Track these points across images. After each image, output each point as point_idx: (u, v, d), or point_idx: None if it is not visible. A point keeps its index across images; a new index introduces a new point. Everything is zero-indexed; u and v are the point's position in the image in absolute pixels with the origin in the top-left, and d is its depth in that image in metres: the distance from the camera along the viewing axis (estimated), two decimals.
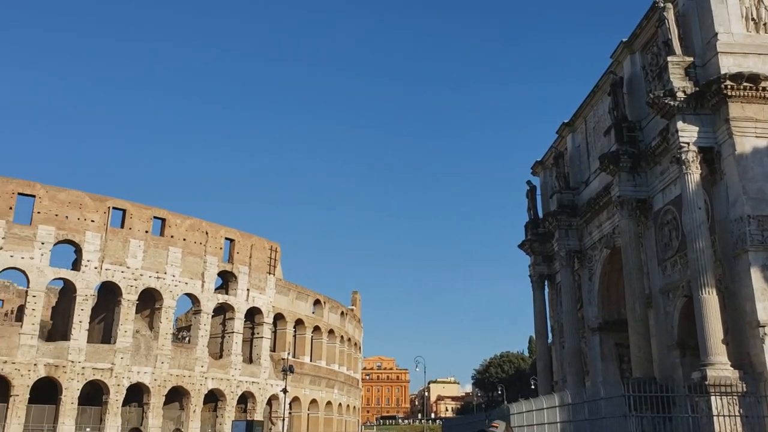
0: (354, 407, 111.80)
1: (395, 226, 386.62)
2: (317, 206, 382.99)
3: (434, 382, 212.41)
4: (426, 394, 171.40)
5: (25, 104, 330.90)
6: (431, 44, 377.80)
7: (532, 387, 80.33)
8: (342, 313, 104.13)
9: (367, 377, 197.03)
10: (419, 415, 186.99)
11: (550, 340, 50.96)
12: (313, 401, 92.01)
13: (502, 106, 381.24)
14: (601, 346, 41.67)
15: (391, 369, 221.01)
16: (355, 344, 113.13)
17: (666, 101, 30.14)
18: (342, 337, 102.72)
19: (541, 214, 51.29)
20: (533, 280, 51.02)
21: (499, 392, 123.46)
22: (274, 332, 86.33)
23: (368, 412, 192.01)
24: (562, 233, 45.09)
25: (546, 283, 51.10)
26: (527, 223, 52.13)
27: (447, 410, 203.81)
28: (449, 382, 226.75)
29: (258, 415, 76.96)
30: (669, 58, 30.87)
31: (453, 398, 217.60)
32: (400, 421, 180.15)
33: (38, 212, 65.60)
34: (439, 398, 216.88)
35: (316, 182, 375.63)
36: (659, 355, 33.34)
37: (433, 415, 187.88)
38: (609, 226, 40.46)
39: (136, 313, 70.21)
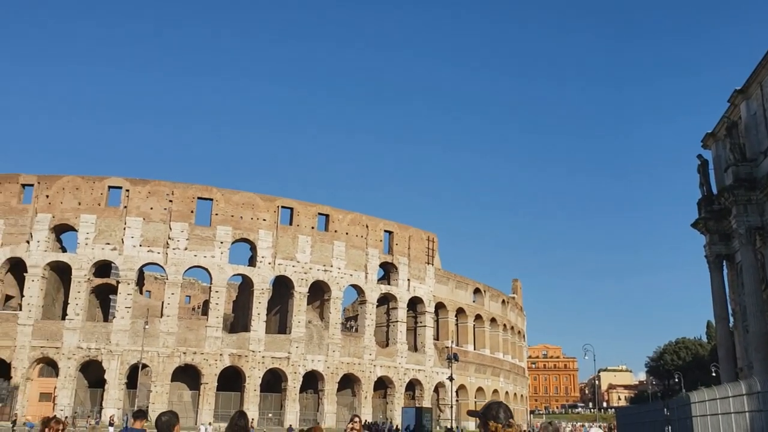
0: (521, 396, 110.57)
1: (552, 213, 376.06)
2: (473, 197, 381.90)
3: (604, 370, 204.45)
4: (596, 382, 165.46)
5: (193, 108, 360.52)
6: (572, 41, 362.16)
7: (713, 374, 74.80)
8: (503, 301, 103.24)
9: (533, 366, 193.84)
10: (589, 404, 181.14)
11: (731, 324, 47.21)
12: (479, 389, 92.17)
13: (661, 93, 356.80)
14: None
15: (557, 357, 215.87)
16: (519, 332, 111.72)
17: None
18: (504, 325, 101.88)
19: (715, 190, 47.51)
20: (710, 261, 47.31)
21: (676, 380, 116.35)
22: (437, 321, 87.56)
23: (536, 400, 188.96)
24: (741, 209, 41.42)
25: (724, 263, 47.28)
26: (700, 200, 48.43)
27: (619, 399, 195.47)
28: (620, 371, 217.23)
29: (426, 402, 78.54)
30: None
31: (625, 387, 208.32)
32: (580, 410, 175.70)
33: (216, 214, 71.52)
34: (611, 387, 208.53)
35: (472, 175, 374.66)
36: None
37: (604, 404, 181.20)
38: None
39: (308, 304, 74.37)
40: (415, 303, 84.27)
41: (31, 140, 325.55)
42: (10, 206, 68.57)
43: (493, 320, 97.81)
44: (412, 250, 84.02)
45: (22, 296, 67.05)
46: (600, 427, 77.43)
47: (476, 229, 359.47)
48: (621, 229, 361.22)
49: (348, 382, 75.59)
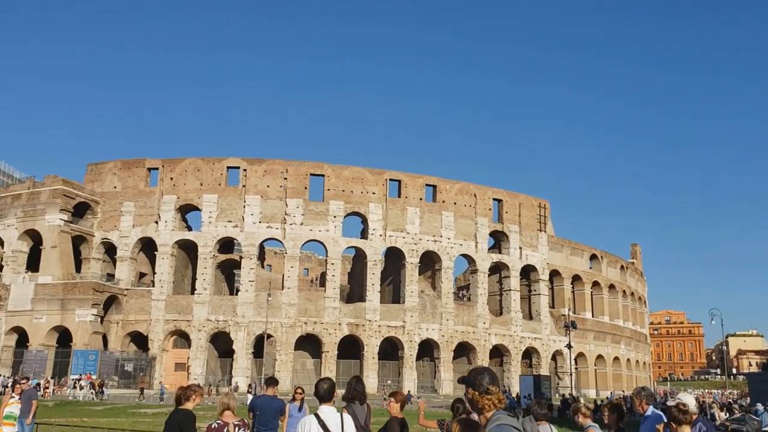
0: (644, 363, 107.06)
1: (668, 176, 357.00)
2: (585, 162, 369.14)
3: (733, 335, 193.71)
4: (725, 348, 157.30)
5: (302, 87, 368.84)
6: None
7: None
8: (622, 267, 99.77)
9: (655, 332, 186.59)
10: (717, 371, 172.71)
11: None
12: (599, 357, 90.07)
13: None
14: None
15: (681, 323, 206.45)
16: (639, 299, 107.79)
17: None
18: (624, 291, 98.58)
19: None
20: None
21: None
22: (551, 289, 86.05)
23: (659, 367, 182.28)
24: None
25: None
26: None
27: (750, 365, 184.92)
28: (751, 335, 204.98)
29: (543, 370, 77.74)
30: None
31: (756, 352, 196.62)
32: (709, 377, 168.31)
33: (328, 189, 73.34)
34: (740, 353, 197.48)
35: (583, 140, 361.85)
36: None
37: (734, 371, 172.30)
38: None
39: (419, 274, 75.12)
40: (528, 271, 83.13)
41: (154, 126, 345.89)
42: (139, 189, 73.44)
43: (611, 287, 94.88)
44: (523, 218, 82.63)
45: (154, 273, 72.02)
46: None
47: (590, 194, 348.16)
48: (749, 175, 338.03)
49: (463, 350, 76.07)
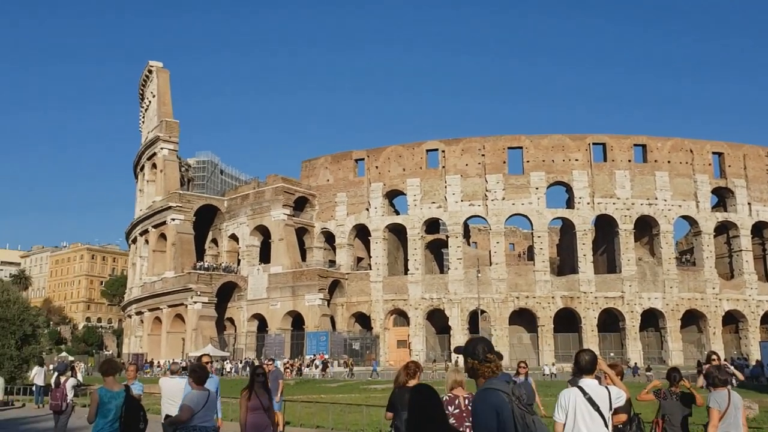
0: None
1: None
2: None
3: None
4: None
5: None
6: None
7: None
8: None
9: None
10: None
11: None
12: None
13: None
14: None
15: None
16: None
17: None
18: None
19: None
20: None
21: None
22: None
23: None
24: None
25: None
26: None
27: None
28: None
29: None
30: None
31: None
32: None
33: (527, 161, 72.09)
34: None
35: None
36: None
37: None
38: None
39: (635, 241, 71.18)
40: (760, 228, 75.05)
41: (357, 120, 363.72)
42: (349, 180, 78.04)
43: None
44: (750, 171, 74.55)
45: (370, 257, 76.23)
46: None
47: None
48: None
49: (692, 319, 70.81)
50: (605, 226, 73.06)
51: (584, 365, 6.78)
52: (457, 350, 5.72)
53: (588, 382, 6.68)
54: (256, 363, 51.34)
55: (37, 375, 28.87)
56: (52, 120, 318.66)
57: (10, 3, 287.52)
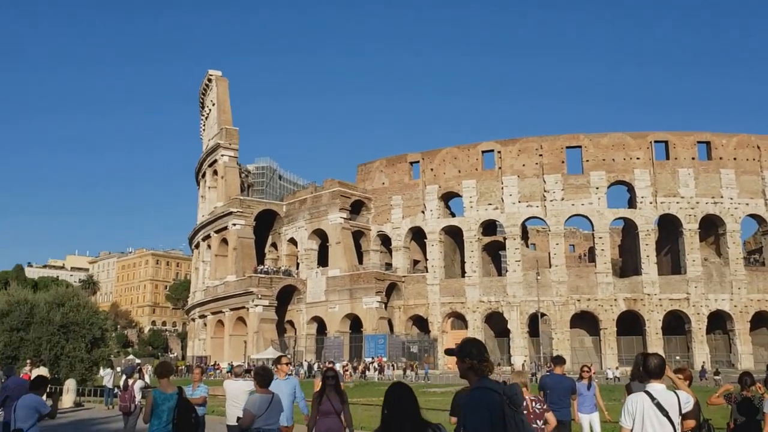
0: None
1: None
2: None
3: None
4: None
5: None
6: None
7: None
8: None
9: None
10: None
11: None
12: None
13: None
14: None
15: None
16: None
17: None
18: None
19: None
20: None
21: None
22: None
23: None
24: None
25: None
26: None
27: None
28: None
29: None
30: None
31: None
32: None
33: (587, 160, 70.66)
34: None
35: None
36: None
37: None
38: None
39: (700, 241, 68.90)
40: None
41: (411, 121, 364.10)
42: (404, 183, 78.12)
43: None
44: None
45: (426, 259, 76.07)
46: None
47: None
48: None
49: (762, 321, 67.92)
50: (669, 226, 70.98)
51: (653, 369, 6.60)
52: (449, 352, 5.72)
53: (656, 387, 6.51)
54: (321, 366, 51.87)
55: (107, 377, 29.90)
56: (120, 123, 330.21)
57: (78, 8, 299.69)
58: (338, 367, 52.30)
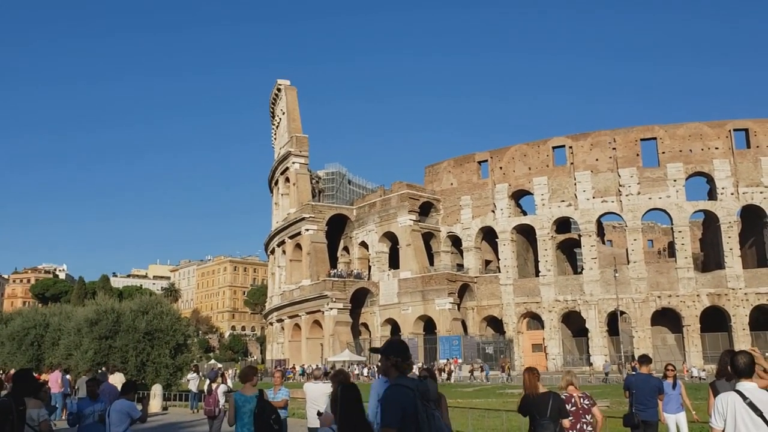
0: None
1: None
2: None
3: None
4: None
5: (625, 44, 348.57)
6: None
7: None
8: None
9: None
10: None
11: None
12: None
13: None
14: None
15: None
16: None
17: None
18: None
19: None
20: None
21: None
22: None
23: None
24: None
25: None
26: None
27: None
28: None
29: None
30: None
31: None
32: None
33: (663, 152, 68.29)
34: None
35: None
36: None
37: None
38: None
39: None
40: None
41: (477, 120, 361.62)
42: (473, 183, 77.57)
43: None
44: None
45: (498, 259, 75.22)
46: None
47: None
48: None
49: None
50: (752, 217, 67.77)
51: (743, 368, 6.34)
52: (374, 350, 6.32)
53: (747, 386, 6.26)
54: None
55: (192, 382, 30.94)
56: (197, 131, 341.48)
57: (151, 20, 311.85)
58: (415, 368, 52.24)
